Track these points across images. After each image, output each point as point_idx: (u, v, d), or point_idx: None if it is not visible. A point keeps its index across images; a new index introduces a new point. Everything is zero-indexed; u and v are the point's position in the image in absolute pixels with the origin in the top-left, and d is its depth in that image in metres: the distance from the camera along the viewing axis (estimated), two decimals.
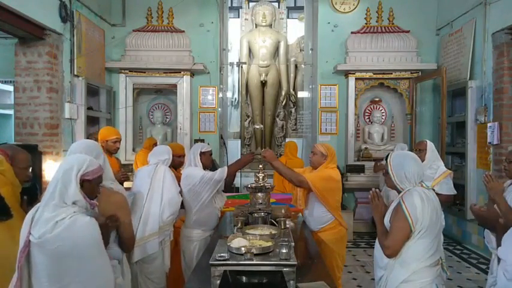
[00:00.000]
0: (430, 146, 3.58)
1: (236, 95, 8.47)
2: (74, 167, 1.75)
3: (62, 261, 1.64)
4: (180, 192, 3.05)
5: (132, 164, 5.54)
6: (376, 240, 2.11)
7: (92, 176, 1.81)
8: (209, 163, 3.22)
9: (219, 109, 6.52)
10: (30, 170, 2.41)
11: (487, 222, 1.81)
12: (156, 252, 2.81)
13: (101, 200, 1.93)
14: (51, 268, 1.65)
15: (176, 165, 3.46)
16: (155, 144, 5.10)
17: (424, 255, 1.94)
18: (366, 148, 6.31)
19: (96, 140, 3.47)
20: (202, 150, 3.15)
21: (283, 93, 8.32)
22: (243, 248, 1.94)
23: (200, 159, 3.11)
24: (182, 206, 3.16)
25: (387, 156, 2.17)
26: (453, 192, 3.50)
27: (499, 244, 1.74)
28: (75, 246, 1.64)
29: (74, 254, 1.65)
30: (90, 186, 1.82)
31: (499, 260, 1.70)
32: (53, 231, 1.61)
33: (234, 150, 7.25)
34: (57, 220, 1.63)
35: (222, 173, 3.02)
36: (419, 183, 2.05)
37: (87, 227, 1.68)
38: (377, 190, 2.19)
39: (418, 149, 3.65)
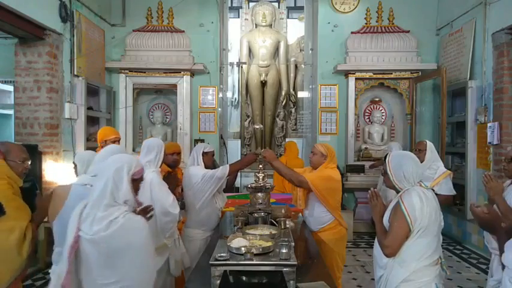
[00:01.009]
0: (430, 146, 3.58)
1: (236, 95, 8.47)
2: (125, 166, 1.80)
3: (114, 258, 1.69)
4: (178, 196, 3.03)
5: None
6: (376, 240, 2.11)
7: (138, 176, 1.88)
8: (211, 163, 3.24)
9: (219, 109, 6.52)
10: (29, 162, 2.44)
11: (488, 225, 1.77)
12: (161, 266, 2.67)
13: None
14: (103, 264, 1.69)
15: (171, 163, 3.42)
16: None
17: (423, 255, 1.95)
18: (366, 148, 6.31)
19: (95, 140, 3.47)
20: (205, 151, 3.18)
21: (283, 93, 8.32)
22: (243, 248, 1.94)
23: (202, 159, 3.13)
24: (183, 206, 3.17)
25: (386, 156, 2.18)
26: (452, 192, 3.51)
27: (501, 249, 1.72)
28: (129, 245, 1.70)
29: (127, 252, 1.70)
30: (136, 185, 1.88)
31: (503, 265, 1.69)
32: (107, 230, 1.67)
33: (234, 150, 7.26)
34: (111, 219, 1.69)
35: (224, 170, 3.04)
36: (418, 183, 2.06)
37: (141, 226, 1.76)
38: (375, 190, 2.20)
39: (418, 149, 3.66)
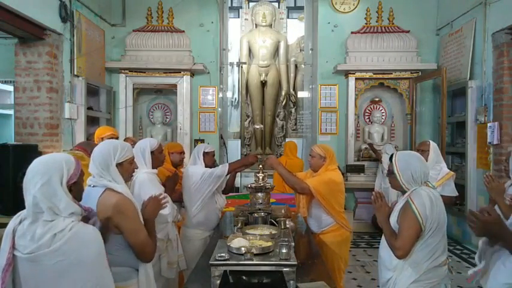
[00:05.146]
0: (433, 146, 3.50)
1: (236, 95, 8.47)
2: (53, 177, 1.51)
3: (60, 277, 1.45)
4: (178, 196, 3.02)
5: None
6: (383, 242, 2.08)
7: (75, 178, 1.59)
8: (211, 164, 3.25)
9: (219, 109, 6.52)
10: None
11: (490, 230, 1.61)
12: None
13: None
14: (47, 285, 1.46)
15: (177, 162, 3.45)
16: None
17: (433, 255, 1.94)
18: (365, 148, 6.31)
19: (93, 140, 3.46)
20: (206, 151, 3.20)
21: (283, 93, 8.31)
22: (243, 248, 1.94)
23: (203, 159, 3.15)
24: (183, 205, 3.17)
25: (391, 156, 2.14)
26: (455, 194, 3.47)
27: None
28: (80, 261, 1.47)
29: (76, 269, 1.47)
30: (77, 188, 1.62)
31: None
32: (52, 245, 1.43)
33: (234, 150, 7.26)
34: (56, 232, 1.44)
35: (223, 168, 3.05)
36: (425, 182, 2.03)
37: (93, 238, 1.52)
38: (380, 191, 2.18)
39: (421, 150, 3.59)
